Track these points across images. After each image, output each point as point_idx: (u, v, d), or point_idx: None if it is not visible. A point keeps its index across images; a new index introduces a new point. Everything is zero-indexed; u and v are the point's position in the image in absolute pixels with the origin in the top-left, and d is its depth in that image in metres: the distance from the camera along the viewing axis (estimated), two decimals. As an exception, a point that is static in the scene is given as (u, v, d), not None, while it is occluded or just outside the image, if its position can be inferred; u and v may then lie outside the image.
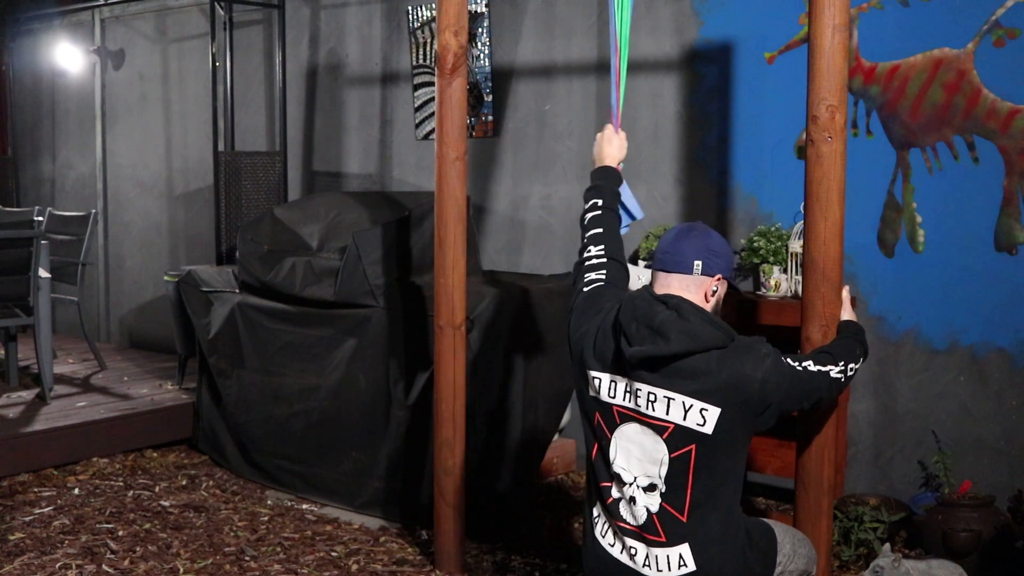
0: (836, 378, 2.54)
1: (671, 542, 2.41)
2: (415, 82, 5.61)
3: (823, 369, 2.52)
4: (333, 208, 4.93)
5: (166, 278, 5.59)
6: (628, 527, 2.46)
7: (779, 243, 4.15)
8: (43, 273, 5.30)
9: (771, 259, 4.16)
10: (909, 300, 4.10)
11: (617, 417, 2.47)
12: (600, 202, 2.88)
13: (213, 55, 6.01)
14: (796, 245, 4.02)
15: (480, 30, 5.26)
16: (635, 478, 2.44)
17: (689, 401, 2.37)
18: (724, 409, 2.35)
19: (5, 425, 4.86)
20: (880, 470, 4.21)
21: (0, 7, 8.00)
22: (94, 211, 6.35)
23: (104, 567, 3.67)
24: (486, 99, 5.29)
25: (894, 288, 4.13)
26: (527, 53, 5.16)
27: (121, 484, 4.64)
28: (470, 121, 5.30)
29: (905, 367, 4.12)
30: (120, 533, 4.01)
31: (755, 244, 4.22)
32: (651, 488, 2.43)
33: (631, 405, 2.44)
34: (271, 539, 3.99)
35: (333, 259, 4.49)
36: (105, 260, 7.56)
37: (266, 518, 4.24)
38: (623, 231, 3.02)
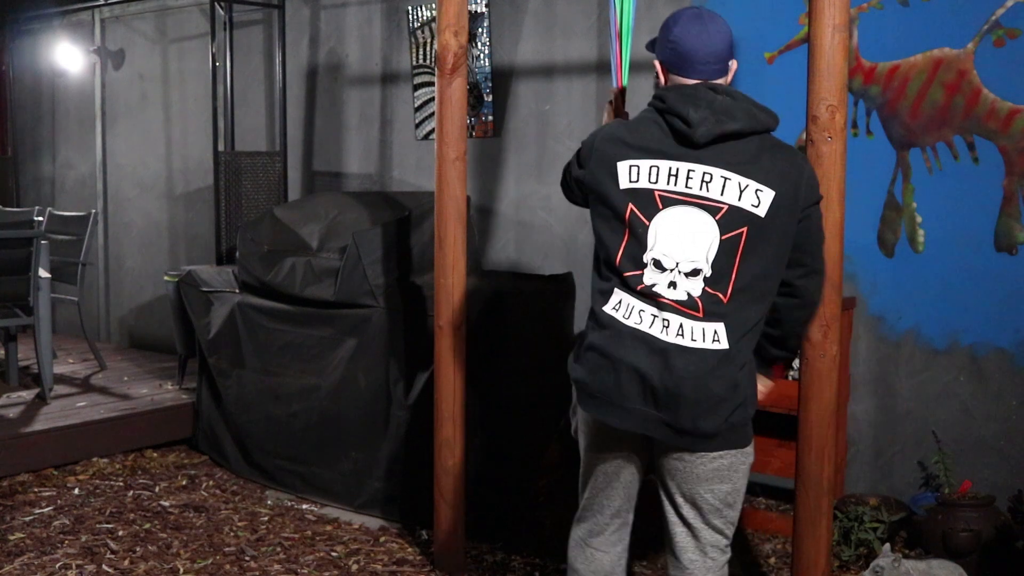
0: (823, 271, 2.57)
1: (707, 319, 2.34)
2: (415, 82, 5.61)
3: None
4: (333, 208, 4.92)
5: (166, 278, 5.59)
6: (667, 301, 2.35)
7: (779, 243, 4.15)
8: (43, 273, 5.30)
9: (771, 259, 4.16)
10: (909, 300, 4.10)
11: (659, 202, 2.37)
12: None
13: (213, 55, 6.01)
14: (796, 245, 4.02)
15: (480, 30, 5.26)
16: (677, 263, 2.36)
17: (745, 181, 2.33)
18: (778, 192, 2.33)
19: (5, 425, 4.86)
20: (880, 470, 4.21)
21: (0, 7, 8.00)
22: (94, 211, 6.35)
23: (104, 567, 3.67)
24: (486, 99, 5.29)
25: (894, 288, 4.13)
26: (527, 53, 5.16)
27: (121, 484, 4.64)
28: (470, 121, 5.30)
29: (905, 367, 4.12)
30: (120, 533, 4.01)
31: (755, 244, 4.21)
32: (694, 273, 2.35)
33: (679, 188, 2.36)
34: (271, 539, 3.99)
35: (333, 259, 4.49)
36: (105, 260, 7.56)
37: (266, 518, 4.24)
38: None
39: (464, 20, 3.52)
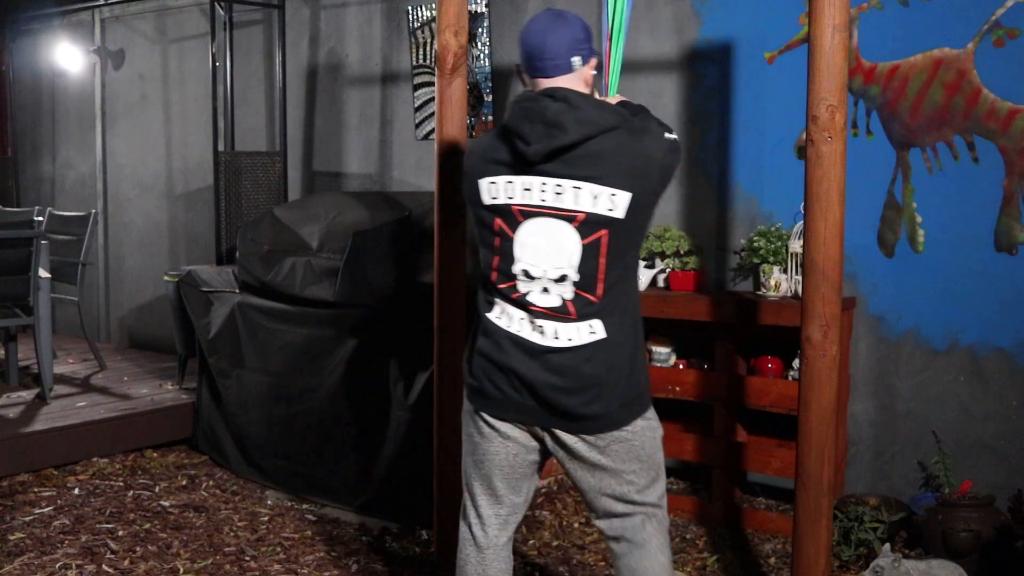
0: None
1: (581, 319, 2.45)
2: (415, 82, 5.61)
3: (674, 137, 2.52)
4: (333, 208, 4.92)
5: (166, 278, 5.59)
6: (539, 309, 2.46)
7: (779, 243, 4.16)
8: (43, 273, 5.30)
9: (771, 259, 4.16)
10: (909, 300, 4.10)
11: (519, 216, 2.45)
12: None
13: (213, 55, 6.01)
14: (796, 245, 4.02)
15: (480, 30, 5.26)
16: (544, 272, 2.45)
17: (598, 188, 2.38)
18: (634, 193, 2.38)
19: (5, 425, 4.86)
20: (880, 470, 4.21)
21: (0, 7, 8.00)
22: (94, 211, 6.35)
23: (104, 567, 3.67)
24: (486, 99, 5.29)
25: (894, 288, 4.13)
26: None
27: (121, 484, 4.64)
28: (470, 121, 5.30)
29: (905, 367, 4.12)
30: (120, 533, 4.02)
31: (755, 244, 4.22)
32: (562, 279, 2.44)
33: (535, 201, 2.43)
34: (271, 539, 3.99)
35: (333, 259, 4.49)
36: (105, 260, 7.56)
37: (266, 518, 4.24)
38: None
39: (464, 20, 3.52)
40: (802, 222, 3.18)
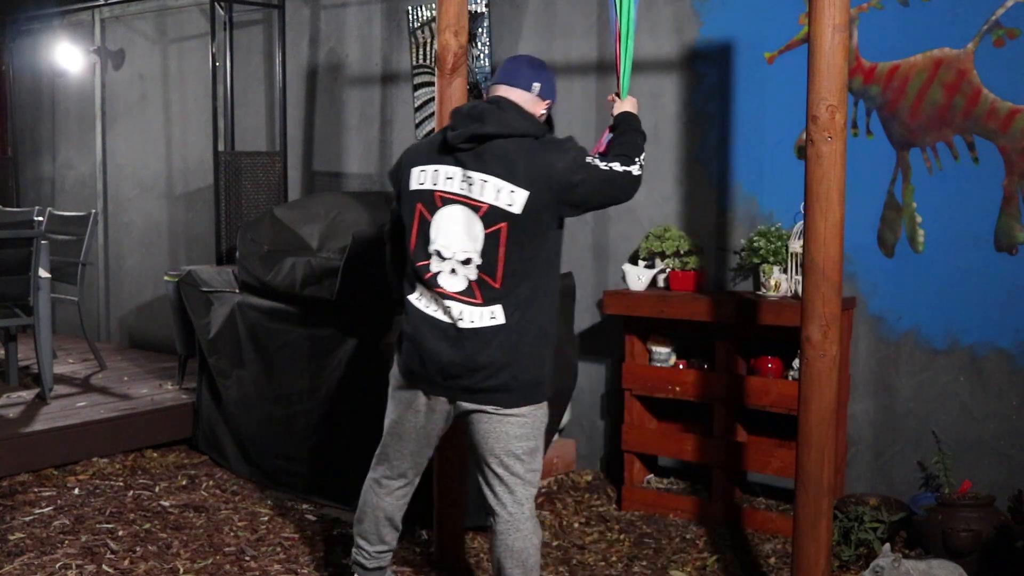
0: (637, 175, 2.91)
1: (486, 303, 2.80)
2: (415, 82, 5.61)
3: (628, 169, 2.88)
4: (333, 208, 4.92)
5: (166, 278, 5.59)
6: (448, 293, 2.82)
7: (779, 243, 4.16)
8: (43, 273, 5.30)
9: (771, 259, 4.16)
10: (909, 300, 4.10)
11: (439, 201, 2.83)
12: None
13: (213, 55, 6.01)
14: (796, 245, 4.02)
15: (480, 30, 5.26)
16: (454, 253, 2.80)
17: (500, 183, 2.75)
18: (531, 192, 2.74)
19: (5, 425, 4.86)
20: (880, 470, 4.21)
21: (0, 7, 8.01)
22: (94, 211, 6.35)
23: (104, 567, 3.67)
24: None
25: (894, 288, 4.13)
26: (527, 53, 5.15)
27: (121, 484, 4.64)
28: (470, 121, 5.29)
29: (905, 367, 4.12)
30: (120, 533, 4.02)
31: (755, 244, 4.22)
32: (468, 261, 2.79)
33: (454, 189, 2.81)
34: (271, 539, 3.99)
35: (333, 259, 4.49)
36: (105, 260, 7.56)
37: (266, 518, 4.24)
38: None
39: (464, 20, 3.52)
40: (802, 222, 3.18)
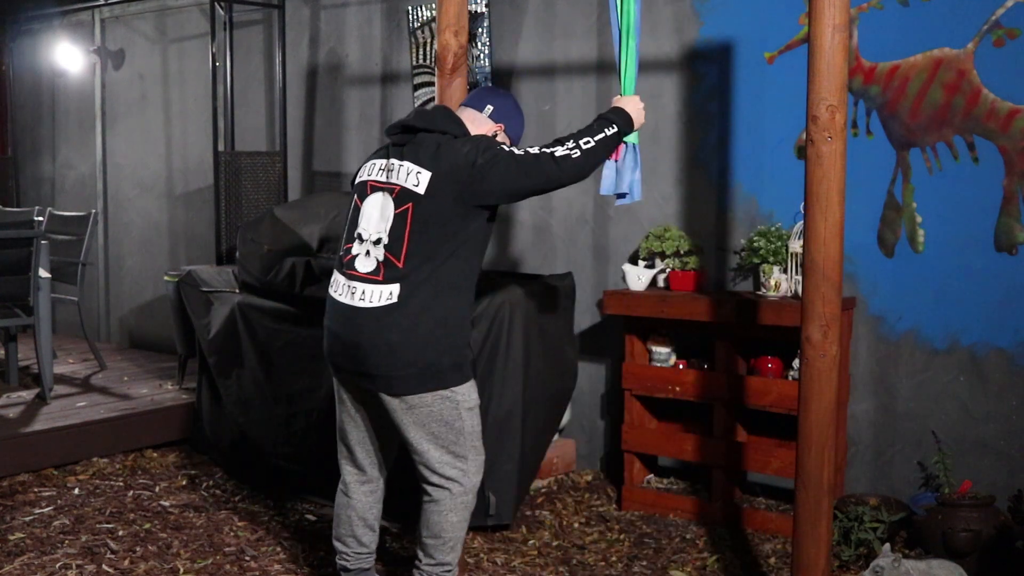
0: (562, 155, 2.93)
1: (386, 281, 2.92)
2: (415, 82, 5.61)
3: (546, 151, 2.93)
4: (333, 208, 4.92)
5: (166, 278, 5.59)
6: (357, 274, 2.97)
7: (779, 243, 4.15)
8: (43, 273, 5.30)
9: (771, 259, 4.16)
10: (909, 300, 4.10)
11: (368, 189, 3.04)
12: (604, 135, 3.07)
13: (213, 55, 6.01)
14: (796, 245, 4.02)
15: (480, 30, 5.25)
16: (370, 235, 2.98)
17: (411, 167, 2.94)
18: (434, 173, 2.90)
19: (5, 425, 4.86)
20: (880, 470, 4.21)
21: (0, 7, 8.00)
22: (94, 211, 6.35)
23: (104, 567, 3.67)
24: (486, 99, 5.29)
25: (894, 288, 4.13)
26: (527, 53, 5.16)
27: (121, 484, 4.64)
28: (470, 121, 5.29)
29: (905, 367, 4.12)
30: (120, 533, 4.02)
31: (755, 244, 4.22)
32: (379, 242, 2.95)
33: (381, 178, 3.01)
34: (271, 539, 3.99)
35: (333, 259, 4.49)
36: (105, 260, 7.56)
37: (266, 518, 4.24)
38: (617, 202, 3.27)
39: (464, 20, 3.52)
40: (802, 222, 3.18)
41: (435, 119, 3.03)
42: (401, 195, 2.94)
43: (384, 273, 2.92)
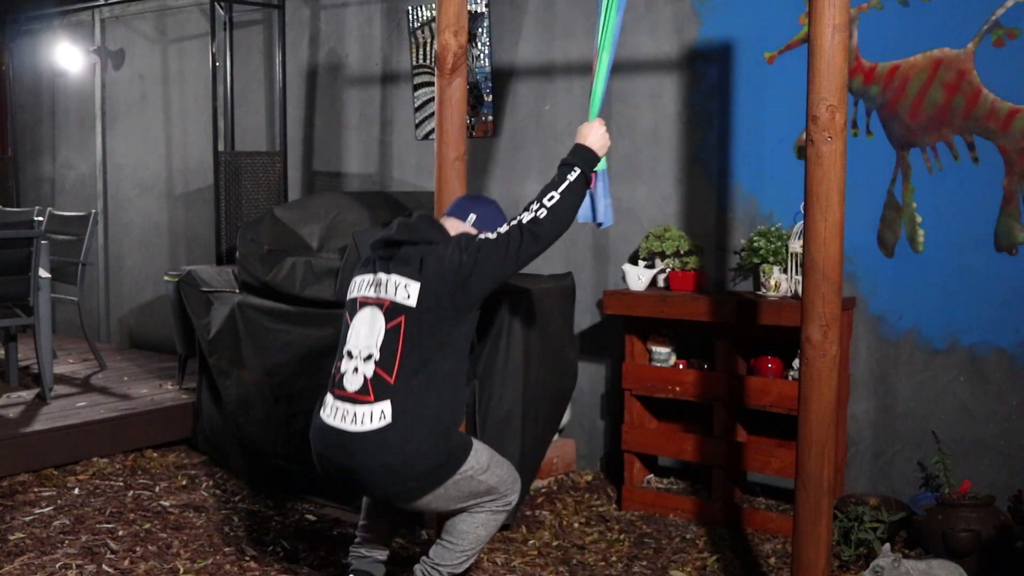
0: (529, 220, 2.95)
1: (377, 399, 2.88)
2: (415, 82, 5.61)
3: (513, 223, 2.97)
4: (333, 208, 4.92)
5: (166, 278, 5.59)
6: (346, 394, 2.94)
7: (779, 243, 4.16)
8: (43, 273, 5.30)
9: (771, 259, 4.16)
10: (909, 300, 4.10)
11: (358, 306, 3.04)
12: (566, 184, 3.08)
13: (213, 55, 6.01)
14: (796, 245, 4.02)
15: (480, 30, 5.26)
16: (360, 351, 2.96)
17: (401, 280, 2.94)
18: (423, 283, 2.90)
19: (5, 425, 4.86)
20: (880, 470, 4.21)
21: (0, 7, 8.00)
22: (94, 211, 6.35)
23: (104, 567, 3.67)
24: (486, 99, 5.29)
25: (894, 288, 4.13)
26: (527, 53, 5.16)
27: (121, 484, 4.64)
28: (470, 121, 5.30)
29: (905, 367, 4.12)
30: (120, 533, 4.02)
31: (755, 244, 4.22)
32: (369, 357, 2.93)
33: (371, 293, 3.01)
34: (271, 539, 3.99)
35: (333, 259, 4.49)
36: (105, 260, 7.56)
37: (266, 518, 4.24)
38: (600, 227, 3.29)
39: (464, 20, 3.52)
40: (802, 222, 3.18)
41: (417, 230, 3.00)
42: (392, 309, 2.93)
43: (374, 391, 2.90)
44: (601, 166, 3.20)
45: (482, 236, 2.97)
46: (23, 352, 6.08)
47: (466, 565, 3.15)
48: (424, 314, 2.90)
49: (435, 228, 3.03)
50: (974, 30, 3.90)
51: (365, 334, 2.96)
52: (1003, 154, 3.88)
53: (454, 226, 3.11)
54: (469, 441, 3.04)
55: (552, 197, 3.00)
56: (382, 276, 2.98)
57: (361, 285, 3.06)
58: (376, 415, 2.87)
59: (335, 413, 2.95)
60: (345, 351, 3.01)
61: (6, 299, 5.40)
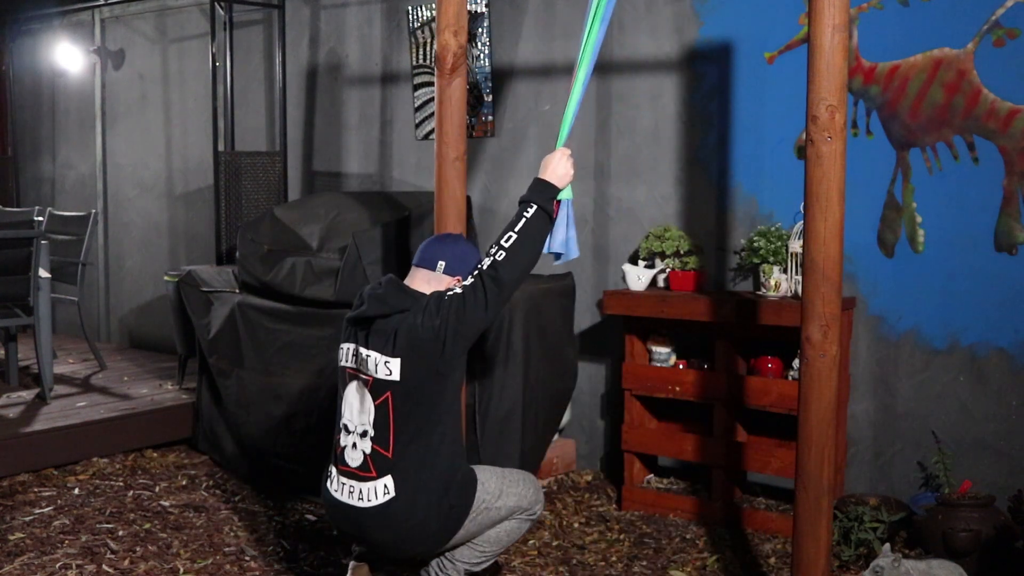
0: (489, 265, 2.92)
1: (379, 475, 2.91)
2: (415, 82, 5.61)
3: (475, 273, 2.94)
4: (333, 208, 4.92)
5: (166, 278, 5.59)
6: (348, 470, 2.97)
7: (779, 243, 4.16)
8: (43, 273, 5.30)
9: (771, 259, 4.16)
10: (909, 300, 4.10)
11: (347, 377, 3.03)
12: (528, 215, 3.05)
13: (213, 55, 6.01)
14: (796, 245, 4.02)
15: (480, 30, 5.26)
16: (355, 427, 2.97)
17: (380, 358, 2.91)
18: (403, 358, 2.88)
19: (5, 425, 4.86)
20: (880, 470, 4.21)
21: (0, 7, 8.00)
22: (94, 211, 6.35)
23: (104, 567, 3.67)
24: (486, 99, 5.29)
25: (894, 288, 4.13)
26: (527, 53, 5.16)
27: (121, 484, 4.64)
28: (470, 121, 5.30)
29: (905, 367, 4.12)
30: (120, 533, 4.02)
31: (755, 244, 4.22)
32: (364, 434, 2.94)
33: (355, 366, 3.00)
34: (271, 539, 3.99)
35: (333, 259, 4.49)
36: (105, 260, 7.56)
37: (266, 518, 4.24)
38: (555, 262, 3.24)
39: (464, 20, 3.52)
40: (802, 222, 3.18)
41: (387, 302, 2.93)
42: (376, 386, 2.92)
43: (375, 467, 2.92)
44: (566, 195, 3.14)
45: (451, 292, 2.91)
46: (23, 352, 6.08)
47: (484, 566, 3.17)
48: (409, 386, 2.89)
49: (403, 295, 2.95)
50: (974, 30, 3.90)
51: (357, 410, 2.97)
52: (1003, 154, 3.88)
53: (425, 278, 3.02)
54: (473, 476, 3.03)
55: (510, 238, 2.96)
56: (362, 351, 2.96)
57: (347, 355, 3.04)
58: (380, 491, 2.91)
59: (342, 489, 2.98)
60: (342, 424, 3.02)
61: (6, 299, 5.41)
